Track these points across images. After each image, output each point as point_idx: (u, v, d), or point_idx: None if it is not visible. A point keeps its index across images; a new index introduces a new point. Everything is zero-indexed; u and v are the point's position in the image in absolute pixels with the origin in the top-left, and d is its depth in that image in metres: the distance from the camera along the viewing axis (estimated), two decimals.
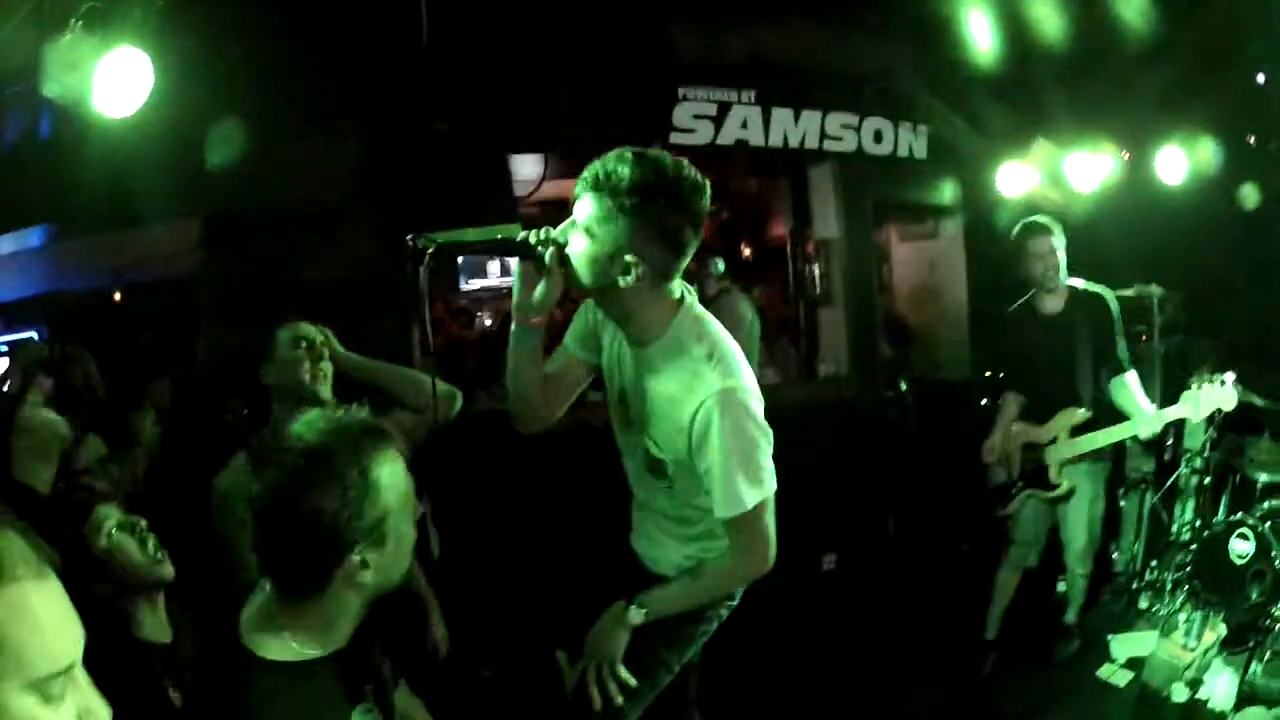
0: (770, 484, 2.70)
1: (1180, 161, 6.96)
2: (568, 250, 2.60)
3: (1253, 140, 6.91)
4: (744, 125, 7.42)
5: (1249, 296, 6.77)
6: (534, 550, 5.76)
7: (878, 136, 7.88)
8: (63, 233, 6.18)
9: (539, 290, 2.64)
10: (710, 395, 2.58)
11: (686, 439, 2.64)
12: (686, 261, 2.67)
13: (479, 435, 6.60)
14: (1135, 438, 5.24)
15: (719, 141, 7.31)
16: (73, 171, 4.97)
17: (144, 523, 2.87)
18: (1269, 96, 6.64)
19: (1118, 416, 5.18)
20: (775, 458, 2.72)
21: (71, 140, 4.80)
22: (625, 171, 2.48)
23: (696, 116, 7.19)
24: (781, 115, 7.52)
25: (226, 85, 5.37)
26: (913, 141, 8.01)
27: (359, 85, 5.99)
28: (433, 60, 6.02)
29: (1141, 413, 5.05)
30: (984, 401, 7.91)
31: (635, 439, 2.91)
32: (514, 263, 2.69)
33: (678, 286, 2.74)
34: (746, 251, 10.29)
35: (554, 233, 2.62)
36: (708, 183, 2.60)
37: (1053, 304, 5.37)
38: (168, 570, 2.87)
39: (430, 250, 2.58)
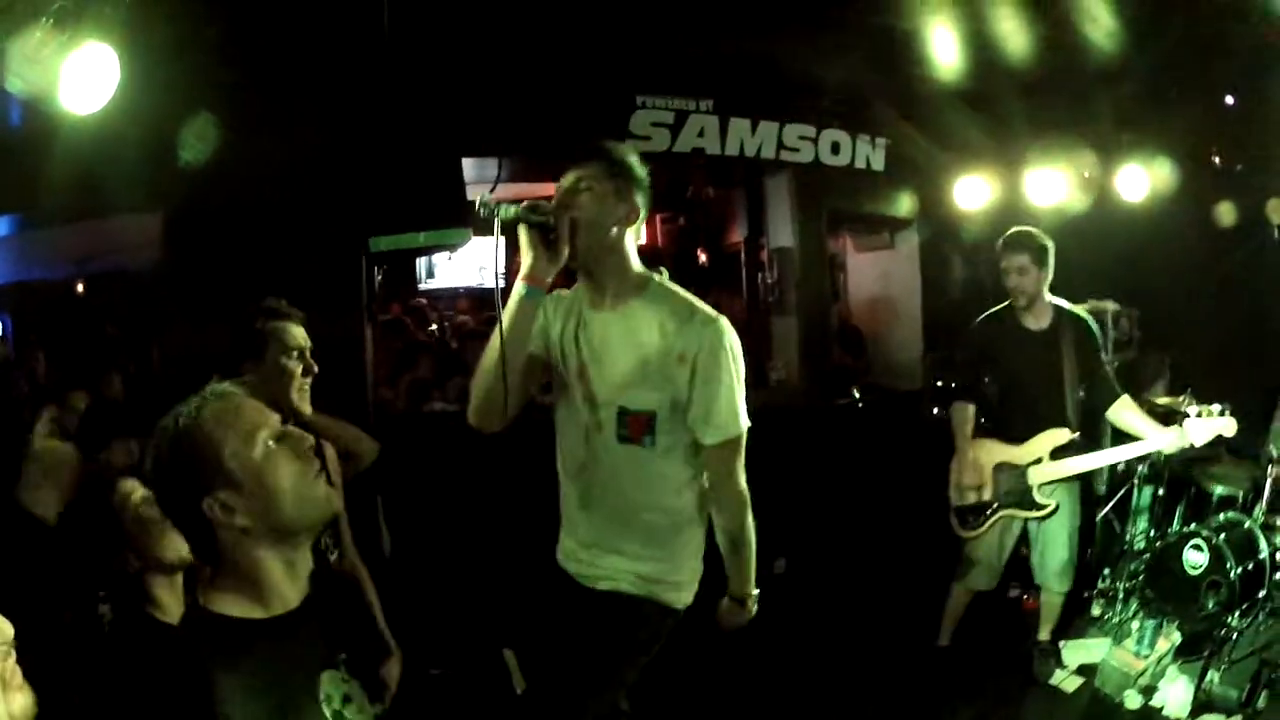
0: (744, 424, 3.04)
1: (1141, 180, 7.05)
2: (574, 212, 2.92)
3: (1218, 161, 6.99)
4: (701, 134, 7.49)
5: (1209, 314, 6.87)
6: (483, 549, 5.74)
7: (835, 148, 7.98)
8: (29, 223, 6.07)
9: (553, 252, 2.89)
10: (714, 321, 2.94)
11: (689, 366, 2.90)
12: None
13: (431, 435, 6.63)
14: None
15: (675, 149, 7.37)
16: (41, 162, 4.93)
17: None
18: (1235, 118, 6.73)
19: (1094, 437, 5.28)
20: None
21: (40, 132, 4.75)
22: (613, 144, 3.06)
23: (654, 124, 7.24)
24: (739, 125, 7.58)
25: (192, 81, 5.31)
26: (870, 154, 8.11)
27: (322, 83, 5.94)
28: (394, 61, 5.99)
29: (1153, 432, 5.05)
30: (935, 410, 8.01)
31: (604, 412, 3.04)
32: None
33: None
34: (702, 258, 10.31)
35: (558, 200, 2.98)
36: None
37: (1038, 320, 5.27)
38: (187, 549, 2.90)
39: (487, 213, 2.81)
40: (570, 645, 3.12)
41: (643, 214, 3.04)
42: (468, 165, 6.88)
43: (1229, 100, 6.68)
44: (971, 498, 5.36)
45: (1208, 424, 4.92)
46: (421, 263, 10.05)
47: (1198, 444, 4.97)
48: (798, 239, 8.12)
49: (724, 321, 2.96)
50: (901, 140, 8.06)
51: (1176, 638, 5.24)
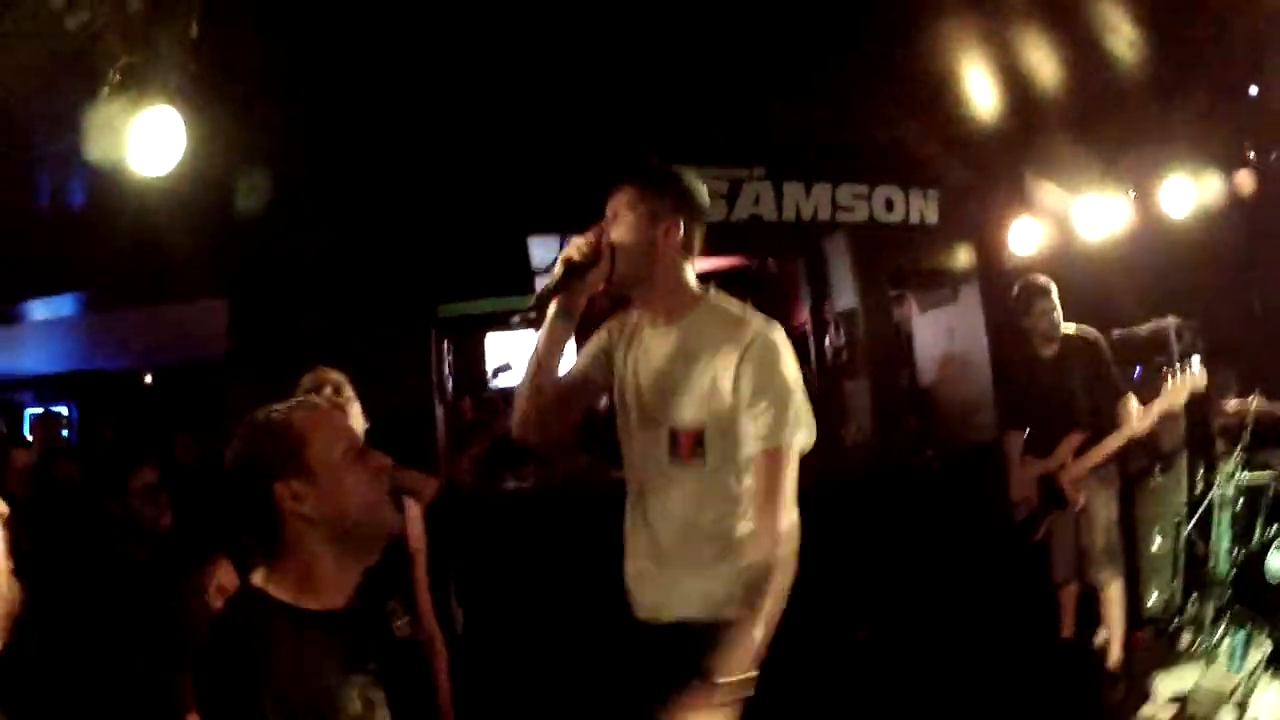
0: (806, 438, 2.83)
1: (1187, 192, 6.98)
2: (612, 238, 2.91)
3: (1252, 154, 6.92)
4: (756, 201, 7.59)
5: (1264, 316, 6.76)
6: (558, 629, 5.71)
7: (889, 205, 8.06)
8: (93, 306, 6.26)
9: (585, 279, 2.91)
10: (765, 328, 2.83)
11: (732, 375, 2.79)
12: (703, 234, 3.02)
13: (505, 515, 6.67)
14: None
15: (733, 219, 7.44)
16: (102, 242, 5.11)
17: None
18: (1263, 108, 6.67)
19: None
20: (804, 529, 2.78)
21: (101, 211, 4.97)
22: (648, 165, 3.03)
23: (709, 195, 7.29)
24: (793, 189, 7.69)
25: (255, 156, 5.55)
26: (924, 207, 8.15)
27: (387, 154, 6.14)
28: (458, 135, 6.18)
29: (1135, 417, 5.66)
30: None
31: (657, 432, 2.95)
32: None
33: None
34: None
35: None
36: None
37: (1050, 350, 5.98)
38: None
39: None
40: (643, 695, 2.78)
41: (692, 227, 2.97)
42: (531, 245, 7.04)
43: (1254, 91, 6.63)
44: (1024, 511, 6.06)
45: (1180, 388, 5.53)
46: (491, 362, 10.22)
47: (1177, 405, 5.60)
48: (860, 300, 8.13)
49: (774, 330, 2.86)
50: (952, 189, 8.10)
51: (1268, 647, 5.03)
